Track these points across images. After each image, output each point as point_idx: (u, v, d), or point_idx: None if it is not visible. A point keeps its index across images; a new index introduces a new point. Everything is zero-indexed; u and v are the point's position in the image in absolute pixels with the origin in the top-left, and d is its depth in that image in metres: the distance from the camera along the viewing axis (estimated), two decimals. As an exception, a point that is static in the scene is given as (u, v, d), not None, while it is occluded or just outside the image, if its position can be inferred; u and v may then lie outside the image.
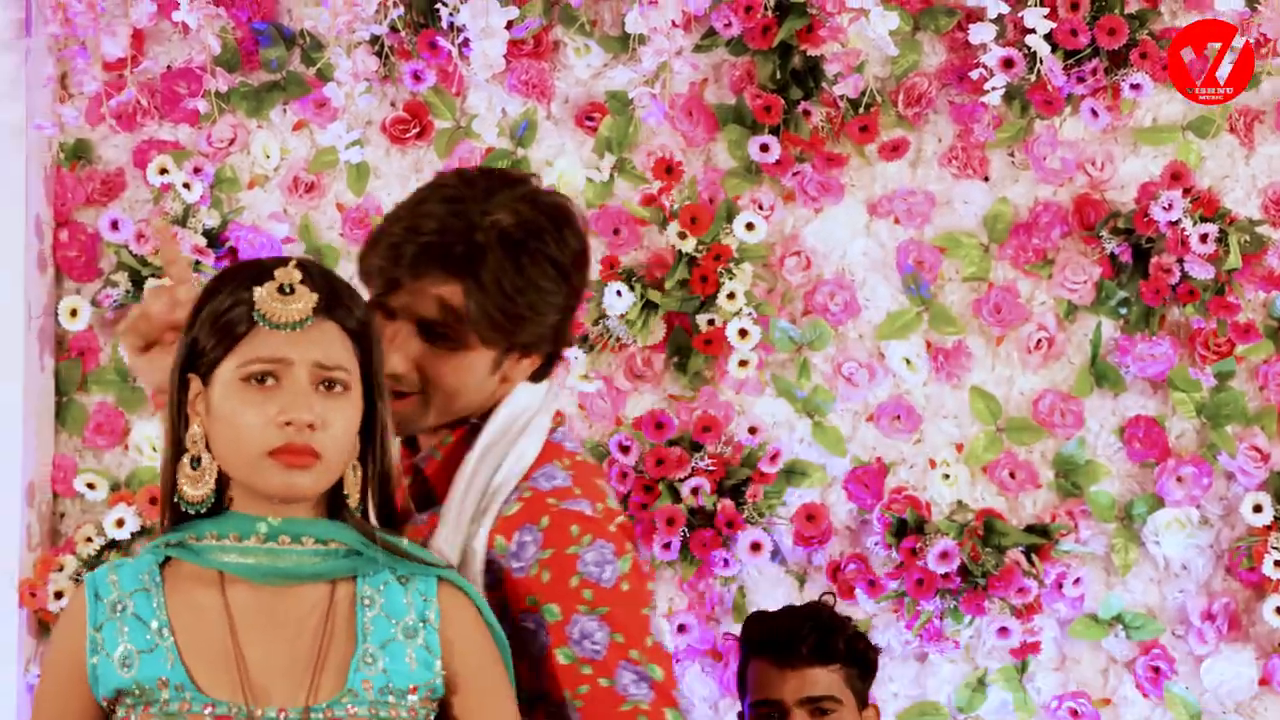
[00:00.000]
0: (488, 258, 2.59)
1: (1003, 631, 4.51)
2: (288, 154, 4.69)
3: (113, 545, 4.60)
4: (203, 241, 4.58)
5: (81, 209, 4.68)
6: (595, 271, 4.58)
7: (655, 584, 4.57)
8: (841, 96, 4.53)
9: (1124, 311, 4.57)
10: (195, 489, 2.38)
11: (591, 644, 2.56)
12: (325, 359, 2.38)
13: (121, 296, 4.61)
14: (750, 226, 4.58)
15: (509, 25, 4.32)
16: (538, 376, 2.72)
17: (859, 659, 3.85)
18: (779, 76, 4.59)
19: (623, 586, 2.58)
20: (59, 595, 4.52)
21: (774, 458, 4.58)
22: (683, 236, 4.56)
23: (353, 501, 2.43)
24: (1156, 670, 4.49)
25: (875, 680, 4.15)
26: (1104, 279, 4.55)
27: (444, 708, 2.45)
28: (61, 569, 4.54)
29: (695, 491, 4.52)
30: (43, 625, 4.58)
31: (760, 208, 4.62)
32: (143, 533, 4.62)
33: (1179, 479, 4.53)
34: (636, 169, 4.65)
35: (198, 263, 4.50)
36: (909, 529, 4.52)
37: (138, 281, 4.61)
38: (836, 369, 4.62)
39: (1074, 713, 4.53)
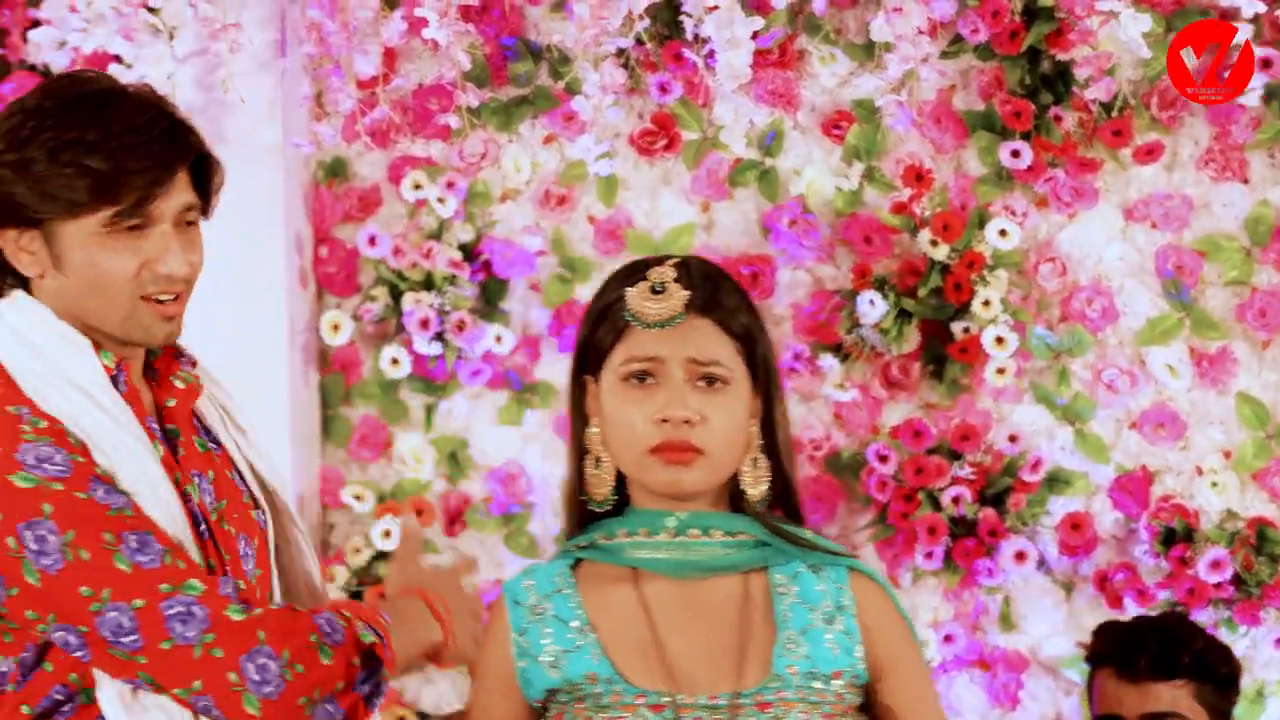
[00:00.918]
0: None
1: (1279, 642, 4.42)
2: (538, 167, 4.74)
3: (381, 556, 4.68)
4: (458, 255, 4.65)
5: (340, 225, 4.78)
6: (847, 280, 4.57)
7: (918, 593, 4.55)
8: (1093, 100, 4.45)
9: (1396, 314, 4.45)
10: (598, 488, 2.48)
11: None
12: (699, 355, 2.43)
13: (381, 311, 4.70)
14: (1003, 233, 4.53)
15: (754, 35, 4.31)
16: None
17: (1210, 674, 3.73)
18: (1028, 81, 4.53)
19: None
20: (329, 605, 4.62)
21: (1035, 466, 4.53)
22: (935, 244, 4.52)
23: (754, 495, 2.46)
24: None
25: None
26: (1372, 281, 4.44)
27: (868, 695, 2.47)
28: (333, 579, 4.63)
29: (956, 500, 4.49)
30: (312, 632, 4.67)
31: (1013, 214, 4.56)
32: (409, 543, 4.70)
33: None
34: (885, 177, 4.63)
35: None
36: (1177, 538, 4.45)
37: (396, 295, 4.69)
38: (1096, 376, 4.55)
39: (1353, 724, 4.43)
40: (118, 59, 4.35)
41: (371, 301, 4.72)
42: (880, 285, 4.54)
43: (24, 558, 2.44)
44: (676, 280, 2.45)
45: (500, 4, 4.62)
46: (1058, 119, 4.53)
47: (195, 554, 2.55)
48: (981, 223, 4.55)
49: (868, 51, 4.58)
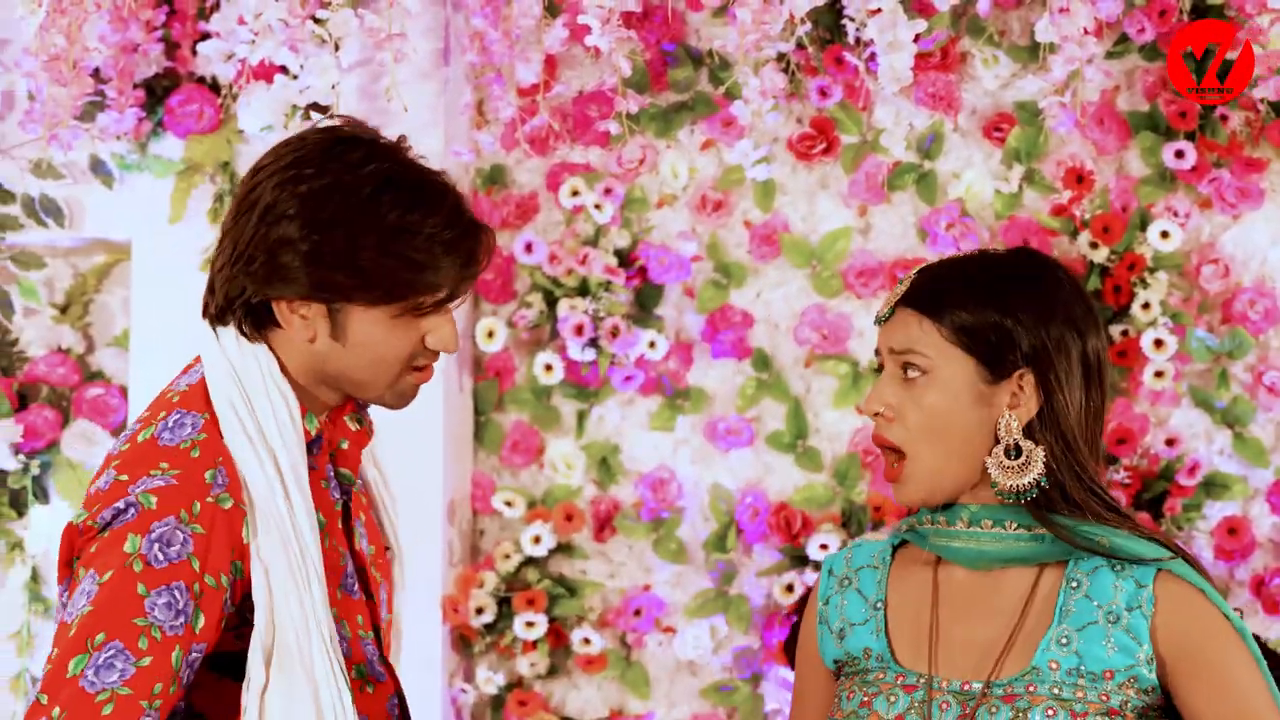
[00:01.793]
0: None
1: None
2: (696, 173, 4.73)
3: (530, 562, 4.68)
4: (614, 261, 4.64)
5: (497, 232, 4.77)
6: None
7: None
8: (1261, 100, 4.41)
9: None
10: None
11: None
12: (896, 345, 2.44)
13: (535, 317, 4.69)
14: (1165, 235, 4.49)
15: (916, 38, 4.28)
16: None
17: None
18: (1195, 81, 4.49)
19: None
20: (480, 611, 4.62)
21: (1192, 470, 4.49)
22: (1094, 246, 4.49)
23: (1003, 485, 2.41)
24: None
25: None
26: None
27: (1170, 700, 2.41)
28: (482, 585, 4.64)
29: (1111, 504, 4.45)
30: (464, 640, 4.67)
31: (1175, 215, 4.52)
32: (559, 549, 4.69)
33: None
34: (1046, 179, 4.59)
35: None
36: (1338, 543, 4.41)
37: (551, 302, 4.69)
38: (1257, 378, 4.51)
39: None
40: (284, 70, 4.36)
41: (526, 308, 4.72)
42: (1039, 288, 4.51)
43: (63, 601, 2.44)
44: (915, 276, 2.47)
45: (662, 10, 4.61)
46: (1224, 118, 4.48)
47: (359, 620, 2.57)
48: (1143, 224, 4.51)
49: (1031, 53, 4.54)
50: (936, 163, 4.64)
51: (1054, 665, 2.37)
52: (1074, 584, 2.41)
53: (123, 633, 2.35)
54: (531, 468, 4.77)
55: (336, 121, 2.59)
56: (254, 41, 4.21)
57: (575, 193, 4.70)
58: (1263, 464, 4.51)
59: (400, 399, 2.59)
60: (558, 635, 4.66)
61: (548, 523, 4.68)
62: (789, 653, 3.86)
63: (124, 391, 4.76)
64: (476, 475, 4.76)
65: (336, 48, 4.24)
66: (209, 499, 2.41)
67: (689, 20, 4.72)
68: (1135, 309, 4.47)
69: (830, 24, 4.54)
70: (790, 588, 4.59)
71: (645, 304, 4.72)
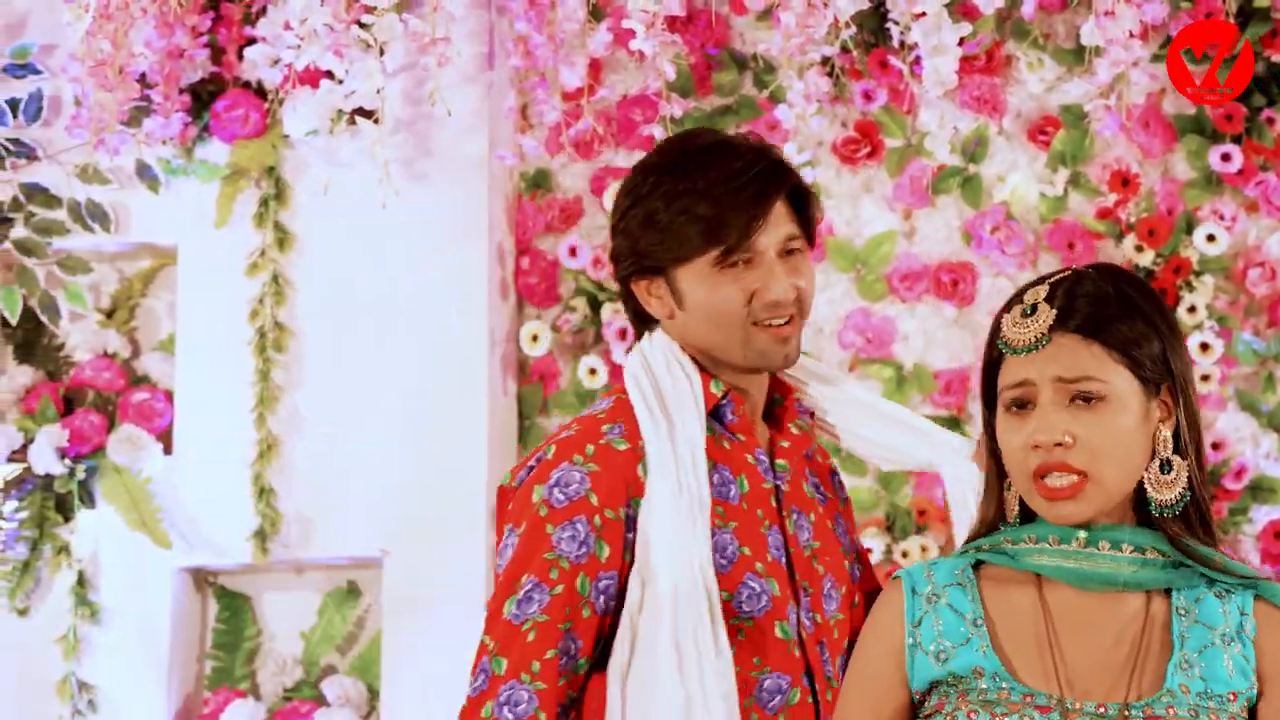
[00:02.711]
0: None
1: None
2: (740, 177, 4.72)
3: (570, 565, 4.67)
4: (656, 265, 4.64)
5: (541, 236, 4.78)
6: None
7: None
8: (1308, 103, 4.40)
9: None
10: (1010, 508, 2.47)
11: None
12: (1065, 372, 2.39)
13: (580, 322, 4.70)
14: (1211, 238, 4.48)
15: (961, 41, 4.27)
16: None
17: None
18: (1241, 84, 4.48)
19: None
20: (520, 613, 4.61)
21: (1239, 474, 4.48)
22: (1140, 249, 4.48)
23: (1161, 499, 2.40)
24: None
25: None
26: None
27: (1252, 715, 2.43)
28: (524, 589, 4.63)
29: (1156, 508, 4.43)
30: (506, 642, 4.67)
31: (1221, 219, 4.51)
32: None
33: None
34: (1091, 182, 4.58)
35: None
36: (1384, 545, 4.39)
37: (595, 306, 4.69)
38: (1304, 382, 4.50)
39: None
40: (329, 75, 4.37)
41: (571, 312, 4.72)
42: (1083, 291, 4.49)
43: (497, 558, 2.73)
44: (1048, 299, 2.42)
45: (706, 14, 4.61)
46: (1270, 122, 4.47)
47: (771, 582, 2.72)
48: (1189, 228, 4.50)
49: (1077, 56, 4.53)
50: (981, 166, 4.63)
51: (1185, 689, 2.37)
52: (1182, 611, 2.41)
53: (538, 569, 2.63)
54: (575, 472, 4.76)
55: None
56: (299, 46, 4.23)
57: (619, 197, 4.70)
58: (1309, 468, 4.51)
59: (762, 358, 2.77)
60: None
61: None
62: None
63: (169, 396, 4.77)
64: (520, 479, 4.76)
65: (381, 52, 4.26)
66: (601, 441, 2.69)
67: (733, 24, 4.72)
68: (1181, 312, 4.46)
69: (874, 27, 4.54)
70: (834, 592, 4.58)
71: (688, 308, 4.71)
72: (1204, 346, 4.45)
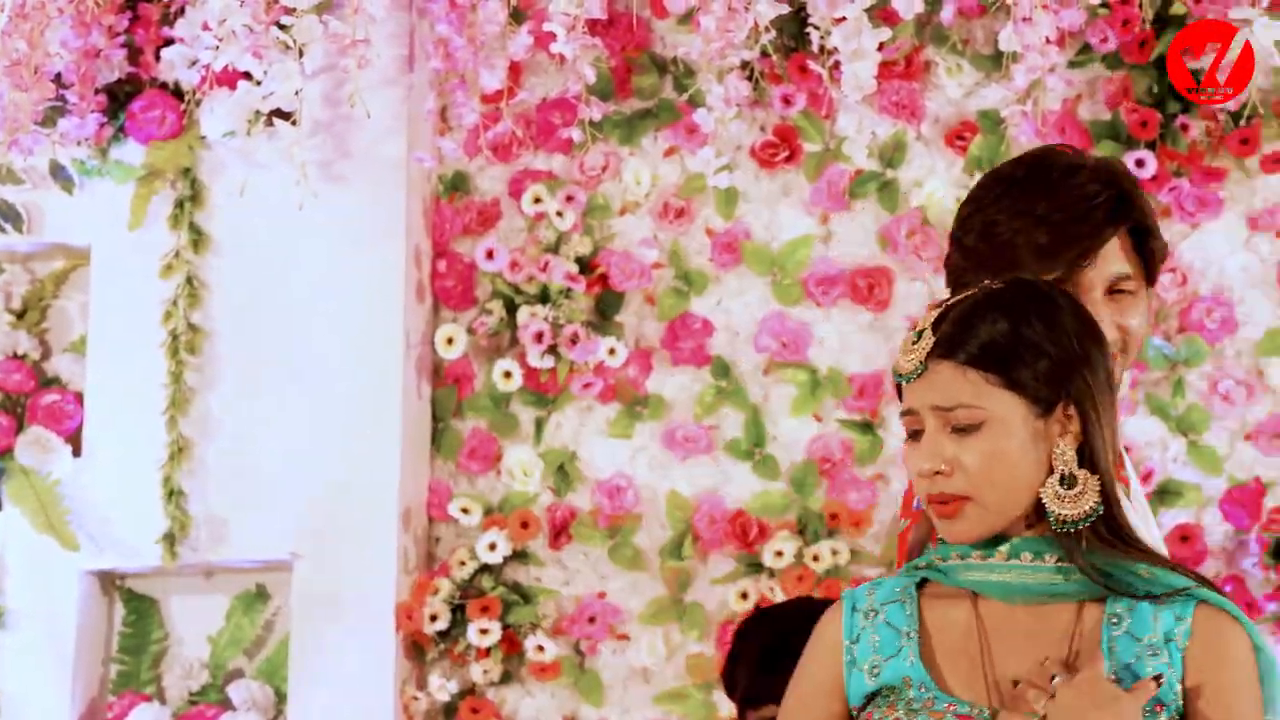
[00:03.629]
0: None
1: (1389, 655, 4.38)
2: (658, 180, 4.72)
3: (485, 569, 4.66)
4: (575, 268, 4.63)
5: (458, 239, 4.76)
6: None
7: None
8: (1221, 109, 4.43)
9: None
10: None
11: None
12: (942, 401, 2.39)
13: (495, 325, 4.68)
14: (1125, 243, 4.50)
15: (880, 46, 4.28)
16: None
17: None
18: (1156, 90, 4.51)
19: None
20: (434, 618, 4.60)
21: (1147, 478, 4.50)
22: (1055, 255, 4.49)
23: (1061, 514, 2.37)
24: None
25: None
26: None
27: None
28: (437, 593, 4.61)
29: (1066, 511, 4.46)
30: (418, 647, 4.65)
31: (1135, 224, 4.53)
32: (514, 556, 4.68)
33: None
34: (1008, 187, 4.59)
35: None
36: (1288, 550, 4.43)
37: (511, 309, 4.67)
38: (1213, 387, 4.53)
39: None
40: (247, 76, 4.34)
41: (486, 315, 4.70)
42: (998, 296, 4.52)
43: None
44: (933, 325, 2.41)
45: (627, 17, 4.60)
46: (1184, 128, 4.50)
47: None
48: (1103, 233, 4.53)
49: (994, 62, 4.56)
50: (899, 171, 4.65)
51: None
52: (1114, 619, 2.39)
53: None
54: (489, 475, 4.75)
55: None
56: (217, 47, 4.19)
57: (537, 200, 4.69)
58: (1216, 472, 4.53)
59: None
60: (511, 642, 4.64)
61: (504, 530, 4.66)
62: (728, 683, 3.79)
63: (79, 398, 4.72)
64: (433, 482, 4.74)
65: (301, 54, 4.23)
66: None
67: (654, 28, 4.72)
68: (1094, 317, 4.48)
69: (794, 32, 4.54)
70: (745, 595, 4.58)
71: (605, 311, 4.71)
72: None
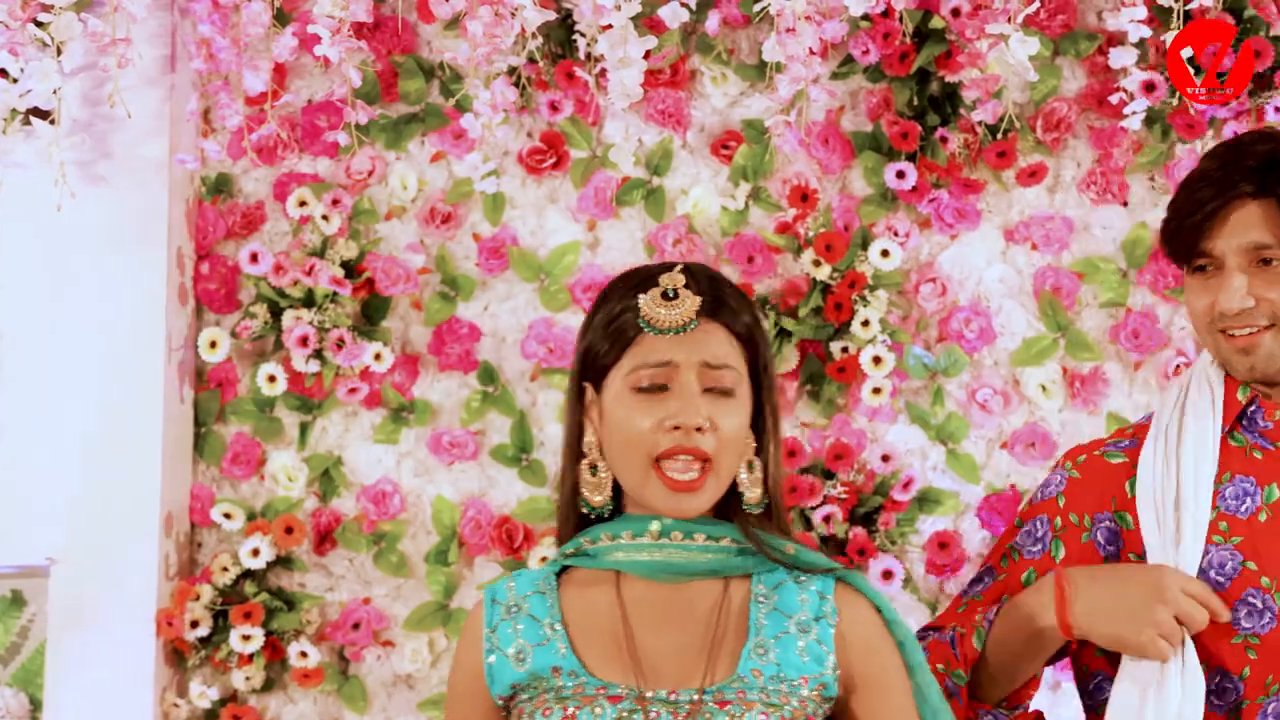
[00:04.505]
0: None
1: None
2: (425, 185, 4.71)
3: (248, 575, 4.62)
4: (340, 273, 4.61)
5: (222, 242, 4.71)
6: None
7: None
8: (979, 122, 4.50)
9: (1264, 337, 4.51)
10: (595, 494, 2.46)
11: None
12: (713, 359, 2.42)
13: (259, 328, 4.64)
14: (885, 253, 4.57)
15: (646, 55, 4.30)
16: None
17: None
18: (916, 103, 4.58)
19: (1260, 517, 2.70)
20: (195, 624, 4.55)
21: (907, 485, 4.56)
22: (817, 264, 4.55)
23: (751, 498, 2.45)
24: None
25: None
26: (1243, 304, 4.50)
27: (842, 707, 2.47)
28: (198, 598, 4.57)
29: (827, 519, 4.51)
30: (178, 654, 4.60)
31: (895, 235, 4.60)
32: (277, 562, 4.64)
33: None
34: (772, 197, 4.65)
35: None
36: (1040, 556, 4.49)
37: (276, 313, 4.64)
38: (971, 396, 4.60)
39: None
40: (3, 74, 4.26)
41: (250, 318, 4.66)
42: (762, 305, 4.56)
43: None
44: (687, 286, 2.44)
45: (393, 21, 4.59)
46: (944, 140, 4.57)
47: None
48: (864, 243, 4.58)
49: (759, 72, 4.60)
50: (665, 179, 4.67)
51: (757, 674, 2.41)
52: (761, 598, 2.45)
53: (996, 555, 2.79)
54: (252, 480, 4.71)
55: None
56: (-28, 45, 4.12)
57: (303, 203, 4.65)
58: (974, 480, 4.60)
59: (1229, 366, 2.72)
60: (274, 649, 4.61)
61: (267, 535, 4.62)
62: None
63: None
64: (195, 487, 4.69)
65: (59, 52, 4.16)
66: (1097, 452, 2.77)
67: (420, 32, 4.70)
68: (855, 326, 4.53)
69: (562, 39, 4.55)
70: (511, 600, 4.58)
71: (372, 316, 4.69)
72: (876, 360, 4.53)
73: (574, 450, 2.49)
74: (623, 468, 2.44)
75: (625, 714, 2.39)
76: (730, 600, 2.45)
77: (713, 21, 4.51)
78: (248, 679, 4.59)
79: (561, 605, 2.46)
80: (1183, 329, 4.56)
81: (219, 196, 4.71)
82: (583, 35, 4.38)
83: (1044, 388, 4.59)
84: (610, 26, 4.24)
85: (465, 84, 4.37)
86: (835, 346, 4.56)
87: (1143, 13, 4.30)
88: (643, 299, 2.43)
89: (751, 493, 2.45)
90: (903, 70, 4.54)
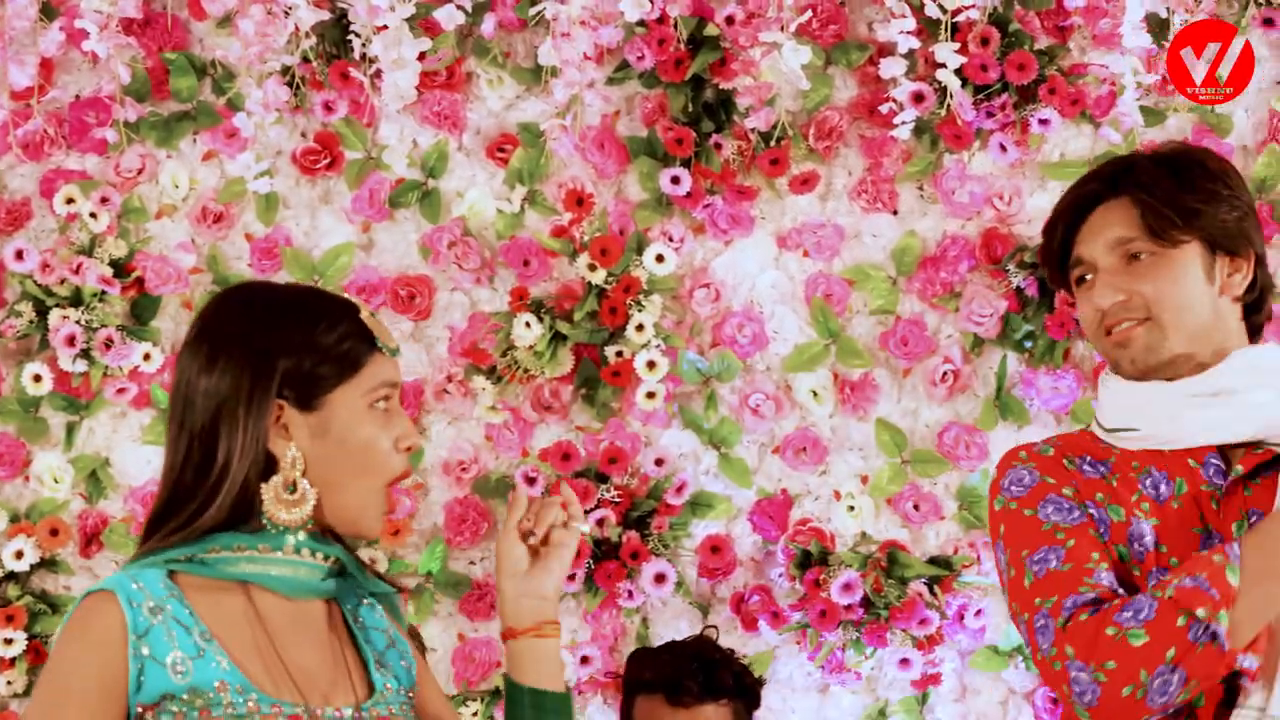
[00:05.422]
0: (1137, 166, 2.79)
1: (904, 663, 4.52)
2: (196, 184, 4.66)
3: (11, 577, 4.54)
4: (109, 272, 4.54)
5: (-15, 240, 4.65)
6: (505, 303, 4.59)
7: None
8: (753, 130, 4.53)
9: (1029, 345, 4.59)
10: (290, 513, 2.41)
11: None
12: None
13: (25, 327, 4.56)
14: (660, 258, 4.58)
15: (421, 56, 4.29)
16: (1254, 325, 2.82)
17: (746, 692, 3.90)
18: (691, 109, 4.60)
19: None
20: (-44, 625, 4.48)
21: (680, 489, 4.58)
22: (592, 268, 4.56)
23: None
24: (1055, 701, 4.51)
25: (775, 712, 4.19)
26: (1010, 312, 4.58)
27: None
28: (-44, 600, 4.50)
29: (601, 523, 4.51)
30: (-61, 656, 4.53)
31: (670, 240, 4.62)
32: (42, 564, 4.57)
33: (1085, 513, 4.56)
34: (547, 201, 4.65)
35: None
36: (813, 561, 4.53)
37: (42, 311, 4.56)
38: (743, 401, 4.62)
39: (977, 744, 4.57)
40: None
41: (15, 317, 4.57)
42: (537, 308, 4.56)
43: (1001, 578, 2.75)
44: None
45: (164, 17, 4.53)
46: (718, 147, 4.60)
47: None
48: (639, 248, 4.60)
49: (535, 75, 4.60)
50: (440, 181, 4.66)
51: (389, 689, 2.49)
52: (356, 619, 2.53)
53: (1041, 540, 2.66)
54: (16, 481, 4.63)
55: None
56: None
57: (70, 200, 4.58)
58: (746, 484, 4.63)
59: (1115, 366, 2.80)
60: (38, 653, 4.53)
61: (32, 537, 4.55)
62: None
63: None
64: (-42, 489, 4.62)
65: None
66: (1035, 449, 2.77)
67: (192, 29, 4.65)
68: (630, 331, 4.55)
69: (336, 39, 4.52)
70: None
71: (141, 316, 4.63)
72: (650, 364, 4.54)
73: (257, 467, 2.41)
74: (350, 487, 2.44)
75: None
76: (334, 616, 2.50)
77: (489, 24, 4.50)
78: (9, 683, 4.51)
79: (198, 614, 2.40)
80: (949, 337, 4.63)
81: (-17, 192, 4.64)
82: (358, 36, 4.36)
83: (815, 393, 4.63)
84: (385, 27, 4.23)
85: (238, 83, 4.33)
86: (610, 351, 4.57)
87: (912, 24, 4.36)
88: (369, 320, 2.47)
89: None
90: (678, 76, 4.56)
